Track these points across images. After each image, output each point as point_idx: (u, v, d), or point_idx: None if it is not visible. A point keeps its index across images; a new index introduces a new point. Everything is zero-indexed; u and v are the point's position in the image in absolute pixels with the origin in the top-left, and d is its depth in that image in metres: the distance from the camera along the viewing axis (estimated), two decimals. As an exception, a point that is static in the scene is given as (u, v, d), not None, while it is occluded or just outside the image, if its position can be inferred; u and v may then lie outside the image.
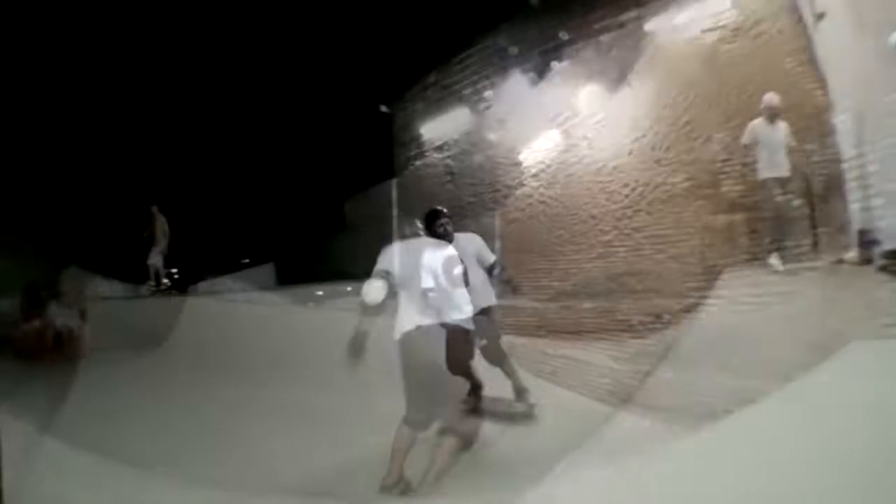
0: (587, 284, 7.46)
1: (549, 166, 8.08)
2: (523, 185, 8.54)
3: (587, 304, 7.38)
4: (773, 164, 5.11)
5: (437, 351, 2.90)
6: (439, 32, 9.65)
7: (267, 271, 17.75)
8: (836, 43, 4.81)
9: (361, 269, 11.27)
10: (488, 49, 9.12)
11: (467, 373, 3.22)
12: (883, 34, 3.78)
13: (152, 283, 10.62)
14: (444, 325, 2.97)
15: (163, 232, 10.65)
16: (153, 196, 11.13)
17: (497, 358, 4.13)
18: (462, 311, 3.09)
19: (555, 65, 7.99)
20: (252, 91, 14.63)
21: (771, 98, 5.10)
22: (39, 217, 12.46)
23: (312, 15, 11.25)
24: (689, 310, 5.97)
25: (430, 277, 3.04)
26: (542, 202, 8.18)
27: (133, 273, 12.59)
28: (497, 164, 9.05)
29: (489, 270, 4.18)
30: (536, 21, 8.30)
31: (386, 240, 9.64)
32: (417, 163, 10.99)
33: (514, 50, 8.46)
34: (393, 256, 3.19)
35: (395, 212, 11.42)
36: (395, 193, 11.56)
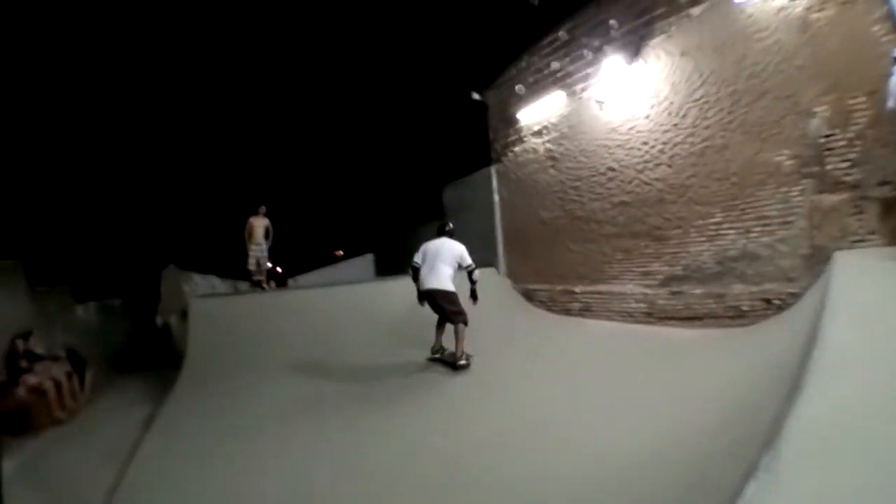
0: (697, 269, 7.82)
1: (653, 147, 8.49)
2: (626, 167, 8.97)
3: (698, 290, 7.75)
4: None
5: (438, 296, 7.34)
6: (527, 15, 10.10)
7: (366, 262, 19.19)
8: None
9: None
10: (578, 29, 9.59)
11: (455, 307, 7.34)
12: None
13: (259, 277, 11.91)
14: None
15: (266, 230, 11.93)
16: (260, 195, 12.40)
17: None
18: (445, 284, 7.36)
19: (649, 41, 8.26)
20: (347, 85, 15.80)
21: None
22: (143, 217, 14.08)
23: (403, 7, 12.09)
24: (800, 294, 6.27)
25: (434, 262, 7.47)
26: (648, 184, 8.64)
27: (235, 271, 14.11)
28: (599, 146, 9.50)
29: (468, 270, 7.62)
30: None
31: (488, 228, 10.50)
32: (517, 148, 11.62)
33: (611, 26, 8.76)
34: (421, 250, 7.66)
35: (496, 198, 12.19)
36: (494, 180, 12.29)
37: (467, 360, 7.20)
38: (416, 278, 7.63)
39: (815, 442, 2.13)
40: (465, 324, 7.29)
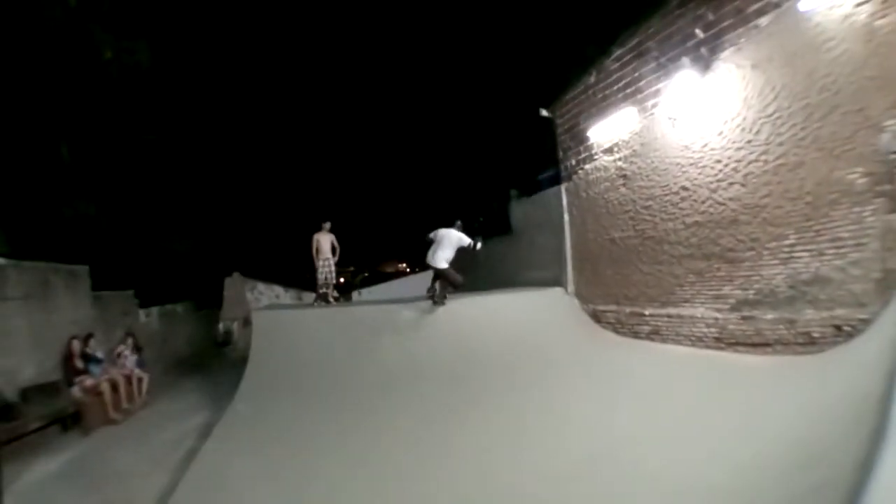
0: (769, 293, 7.66)
1: (726, 165, 8.41)
2: (699, 186, 8.91)
3: (769, 315, 7.58)
4: None
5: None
6: (592, 31, 10.23)
7: (430, 278, 19.47)
8: None
9: (526, 277, 12.49)
10: (645, 44, 9.66)
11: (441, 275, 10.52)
12: None
13: (325, 290, 12.48)
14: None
15: (332, 246, 12.47)
16: (324, 211, 12.94)
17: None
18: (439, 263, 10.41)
19: (718, 54, 8.22)
20: (418, 102, 16.33)
21: None
22: (210, 224, 14.73)
23: (469, 23, 12.47)
24: (870, 320, 6.07)
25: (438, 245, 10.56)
26: (722, 204, 8.55)
27: (299, 281, 14.52)
28: (671, 164, 9.48)
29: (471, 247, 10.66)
30: (690, 11, 8.64)
31: (557, 247, 10.69)
32: (587, 166, 11.73)
33: (678, 38, 8.78)
34: (436, 232, 10.68)
35: (566, 217, 12.27)
36: (564, 198, 12.38)
37: (442, 301, 10.53)
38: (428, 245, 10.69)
39: None
40: (455, 286, 10.66)
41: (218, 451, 5.94)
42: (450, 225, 10.69)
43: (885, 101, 6.09)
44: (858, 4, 6.29)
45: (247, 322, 9.75)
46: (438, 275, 10.57)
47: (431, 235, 10.63)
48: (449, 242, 10.43)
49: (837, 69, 6.62)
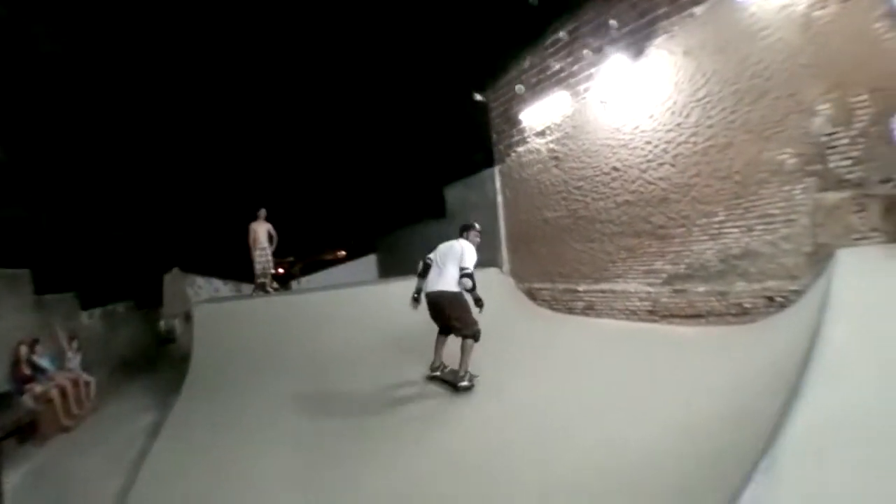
0: (700, 267, 7.87)
1: (656, 146, 8.52)
2: (630, 167, 9.01)
3: (701, 288, 7.79)
4: None
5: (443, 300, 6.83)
6: (528, 16, 10.13)
7: (369, 263, 19.21)
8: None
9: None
10: (580, 29, 9.65)
11: (459, 316, 6.68)
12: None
13: (263, 280, 11.96)
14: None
15: (269, 235, 11.99)
16: (259, 199, 12.45)
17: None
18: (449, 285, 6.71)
19: (651, 40, 8.30)
20: (348, 86, 15.80)
21: None
22: (146, 222, 13.98)
23: (404, 7, 12.12)
24: (803, 291, 6.31)
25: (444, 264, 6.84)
26: (652, 183, 8.67)
27: (237, 273, 13.96)
28: (602, 146, 9.53)
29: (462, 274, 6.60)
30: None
31: (491, 228, 10.50)
32: (520, 149, 11.67)
33: (612, 26, 8.80)
34: (437, 249, 7.06)
35: (499, 198, 12.24)
36: (498, 180, 12.34)
37: (471, 381, 6.47)
38: (422, 275, 6.99)
39: (813, 446, 2.11)
40: (476, 339, 6.53)
41: (167, 450, 5.63)
42: (461, 232, 7.17)
43: (818, 87, 6.25)
44: (796, -4, 6.43)
45: (188, 318, 9.16)
46: (449, 317, 6.70)
47: (433, 255, 7.02)
48: (454, 256, 6.71)
49: (771, 56, 6.74)
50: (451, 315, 6.59)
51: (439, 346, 7.09)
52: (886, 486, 1.76)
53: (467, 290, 6.53)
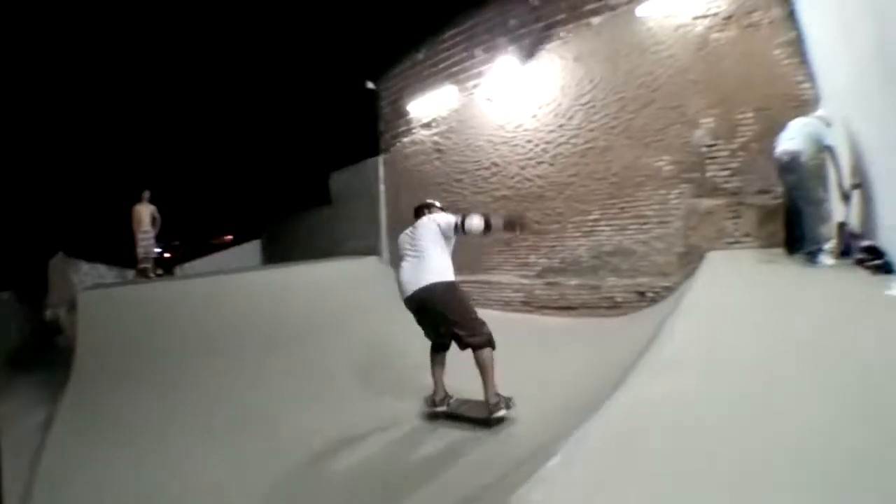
0: (573, 262, 7.59)
1: (536, 145, 8.09)
2: (510, 163, 8.54)
3: (573, 281, 7.54)
4: None
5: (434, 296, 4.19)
6: (427, 9, 9.44)
7: (253, 249, 17.70)
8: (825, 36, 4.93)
9: (345, 247, 11.43)
10: (477, 27, 9.00)
11: (458, 318, 4.12)
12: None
13: (145, 265, 10.45)
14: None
15: (152, 217, 10.50)
16: (143, 181, 10.94)
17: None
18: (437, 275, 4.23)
19: (545, 45, 7.91)
20: (237, 69, 14.38)
21: None
22: (28, 206, 12.27)
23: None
24: (674, 288, 6.18)
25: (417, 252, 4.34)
26: (529, 180, 8.23)
27: (122, 258, 12.38)
28: (485, 141, 8.97)
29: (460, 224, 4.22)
30: (525, 3, 8.20)
31: (373, 217, 9.69)
32: (406, 139, 10.81)
33: (510, 26, 8.32)
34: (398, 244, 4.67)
35: (381, 188, 11.42)
36: (381, 169, 11.50)
37: (507, 405, 3.93)
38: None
39: (618, 433, 2.02)
40: (492, 346, 4.01)
41: (61, 445, 4.89)
42: (418, 215, 4.68)
43: (703, 101, 6.04)
44: (695, 18, 6.15)
45: (73, 306, 7.84)
46: (447, 321, 4.06)
47: (401, 251, 4.51)
48: (432, 233, 4.26)
49: (660, 70, 6.45)
50: (449, 318, 4.01)
51: (437, 368, 4.40)
52: (685, 472, 1.62)
53: (483, 232, 4.22)
